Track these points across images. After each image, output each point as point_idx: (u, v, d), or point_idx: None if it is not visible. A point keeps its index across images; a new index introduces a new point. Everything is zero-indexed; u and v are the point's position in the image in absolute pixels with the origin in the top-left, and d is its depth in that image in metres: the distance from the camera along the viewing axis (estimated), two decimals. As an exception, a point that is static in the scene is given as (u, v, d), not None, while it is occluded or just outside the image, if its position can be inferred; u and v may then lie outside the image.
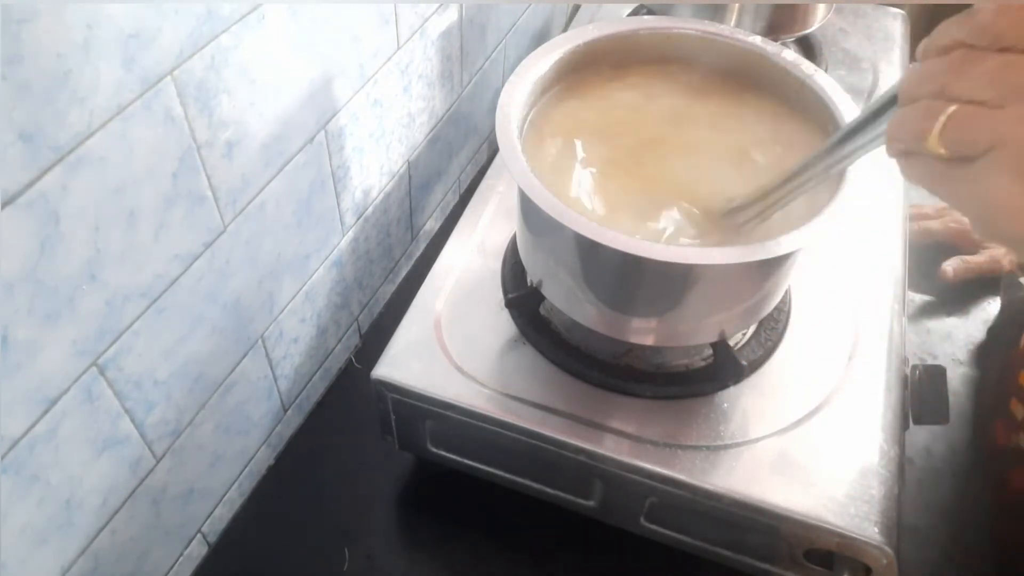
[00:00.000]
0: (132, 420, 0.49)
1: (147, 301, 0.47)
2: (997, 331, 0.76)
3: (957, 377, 0.73)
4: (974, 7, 0.30)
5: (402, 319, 0.60)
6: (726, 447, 0.53)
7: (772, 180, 0.47)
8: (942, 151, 0.30)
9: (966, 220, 0.32)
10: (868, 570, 0.50)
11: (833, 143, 0.42)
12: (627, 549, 0.61)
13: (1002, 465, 0.66)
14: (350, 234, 0.69)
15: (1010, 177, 0.28)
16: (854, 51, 0.88)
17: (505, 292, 0.61)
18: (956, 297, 0.79)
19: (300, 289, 0.64)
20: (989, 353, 0.75)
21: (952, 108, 0.29)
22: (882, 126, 0.37)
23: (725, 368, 0.55)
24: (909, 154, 0.32)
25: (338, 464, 0.68)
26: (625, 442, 0.53)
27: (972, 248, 0.80)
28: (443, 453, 0.60)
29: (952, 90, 0.30)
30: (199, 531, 0.62)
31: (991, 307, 0.79)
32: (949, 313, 0.78)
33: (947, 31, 0.31)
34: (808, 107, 0.55)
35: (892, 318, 0.61)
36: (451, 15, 0.73)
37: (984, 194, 0.29)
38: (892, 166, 0.34)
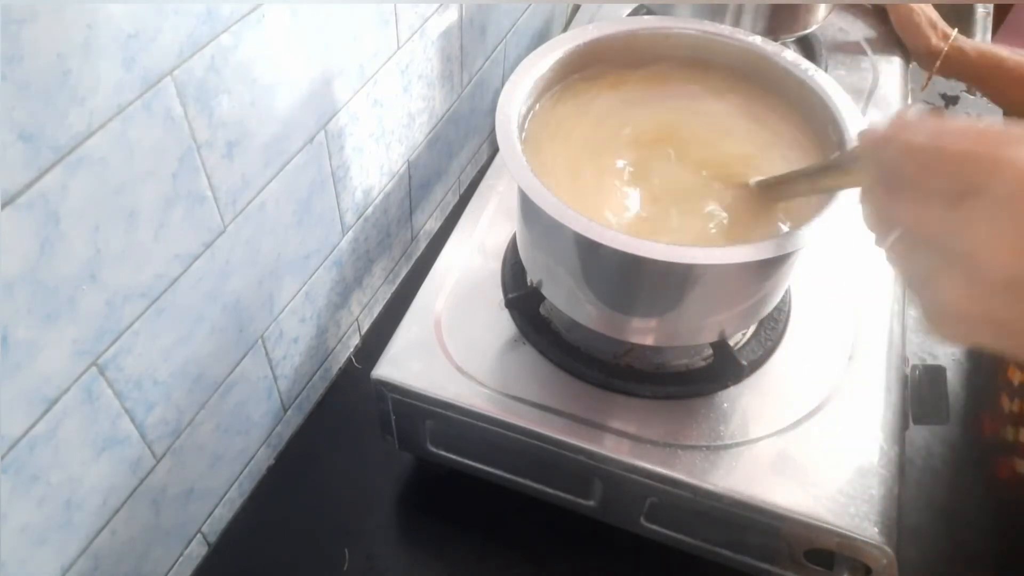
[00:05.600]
0: (132, 420, 0.49)
1: (147, 301, 0.47)
2: None
3: (957, 377, 0.73)
4: None
5: (402, 319, 0.60)
6: (726, 447, 0.53)
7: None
8: None
9: None
10: (868, 570, 0.50)
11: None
12: (627, 549, 0.61)
13: (988, 455, 0.67)
14: (350, 234, 0.69)
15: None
16: (854, 51, 0.88)
17: (505, 292, 0.61)
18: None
19: (300, 289, 0.64)
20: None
21: None
22: None
23: (725, 368, 0.55)
24: None
25: (338, 464, 0.68)
26: (625, 442, 0.53)
27: None
28: (443, 453, 0.60)
29: None
30: (199, 531, 0.62)
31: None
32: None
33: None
34: (808, 107, 0.55)
35: (892, 318, 0.61)
36: (451, 15, 0.73)
37: None
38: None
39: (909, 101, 0.84)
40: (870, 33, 0.90)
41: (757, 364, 0.57)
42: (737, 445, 0.53)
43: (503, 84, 0.54)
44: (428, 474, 0.67)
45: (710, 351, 0.56)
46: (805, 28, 0.81)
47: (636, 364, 0.57)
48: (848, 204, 0.47)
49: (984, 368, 0.72)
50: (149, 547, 0.56)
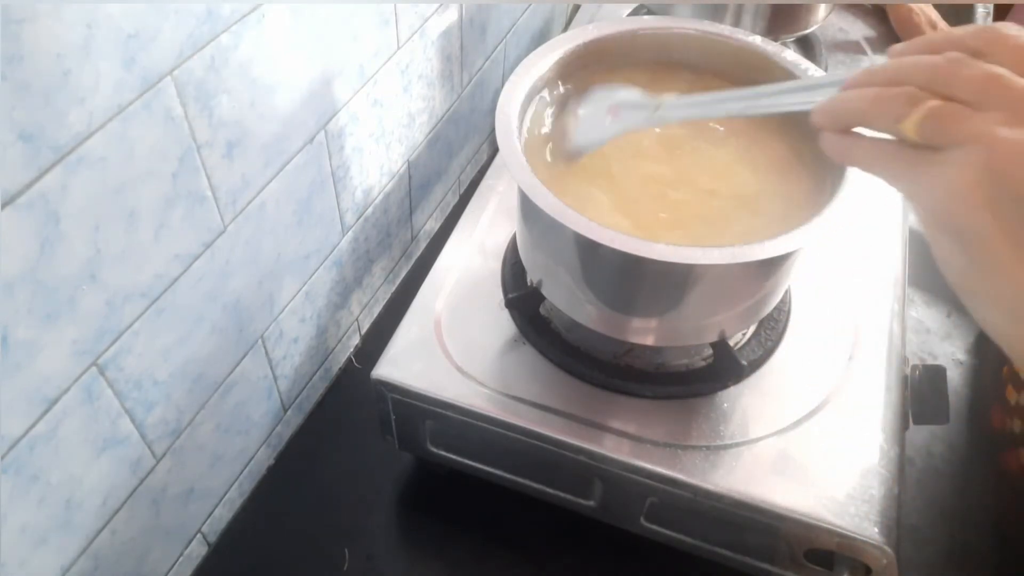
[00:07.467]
0: (132, 420, 0.49)
1: (147, 301, 0.47)
2: None
3: (957, 377, 0.73)
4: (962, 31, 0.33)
5: (402, 319, 0.60)
6: (726, 447, 0.53)
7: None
8: (913, 136, 0.32)
9: None
10: (868, 570, 0.50)
11: (763, 93, 0.44)
12: (627, 549, 0.61)
13: (996, 448, 0.67)
14: (350, 234, 0.69)
15: (975, 171, 0.30)
16: (854, 51, 0.88)
17: (505, 292, 0.61)
18: (956, 297, 0.79)
19: (300, 289, 0.64)
20: (987, 341, 0.75)
21: (936, 102, 0.32)
22: (811, 96, 0.40)
23: (725, 368, 0.55)
24: (849, 132, 0.36)
25: (338, 464, 0.68)
26: (625, 442, 0.53)
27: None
28: (443, 453, 0.60)
29: (940, 86, 0.32)
30: (199, 531, 0.62)
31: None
32: (949, 313, 0.78)
33: (945, 37, 0.34)
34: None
35: (892, 318, 0.61)
36: (451, 15, 0.73)
37: (946, 183, 0.31)
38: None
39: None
40: (870, 33, 0.90)
41: (757, 364, 0.57)
42: (737, 445, 0.53)
43: (503, 84, 0.54)
44: (428, 474, 0.67)
45: (710, 351, 0.56)
46: (805, 28, 0.81)
47: (636, 364, 0.57)
48: (847, 204, 0.47)
49: (989, 362, 0.73)
50: (149, 547, 0.56)
